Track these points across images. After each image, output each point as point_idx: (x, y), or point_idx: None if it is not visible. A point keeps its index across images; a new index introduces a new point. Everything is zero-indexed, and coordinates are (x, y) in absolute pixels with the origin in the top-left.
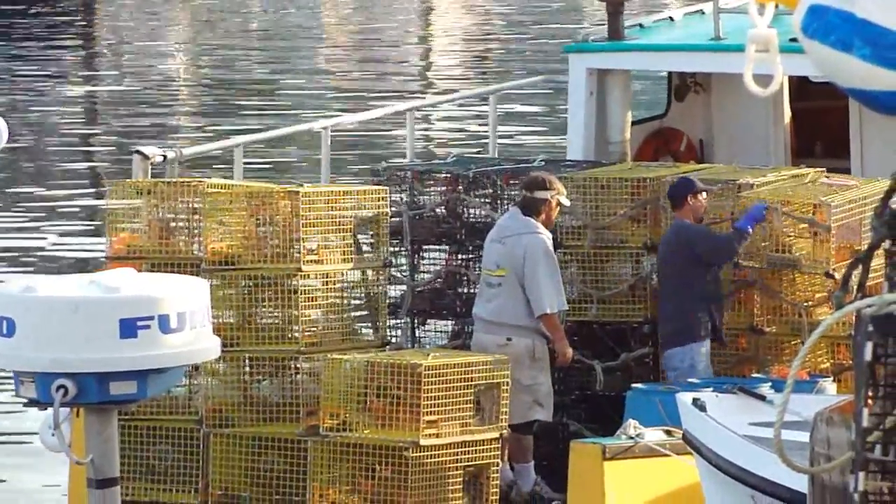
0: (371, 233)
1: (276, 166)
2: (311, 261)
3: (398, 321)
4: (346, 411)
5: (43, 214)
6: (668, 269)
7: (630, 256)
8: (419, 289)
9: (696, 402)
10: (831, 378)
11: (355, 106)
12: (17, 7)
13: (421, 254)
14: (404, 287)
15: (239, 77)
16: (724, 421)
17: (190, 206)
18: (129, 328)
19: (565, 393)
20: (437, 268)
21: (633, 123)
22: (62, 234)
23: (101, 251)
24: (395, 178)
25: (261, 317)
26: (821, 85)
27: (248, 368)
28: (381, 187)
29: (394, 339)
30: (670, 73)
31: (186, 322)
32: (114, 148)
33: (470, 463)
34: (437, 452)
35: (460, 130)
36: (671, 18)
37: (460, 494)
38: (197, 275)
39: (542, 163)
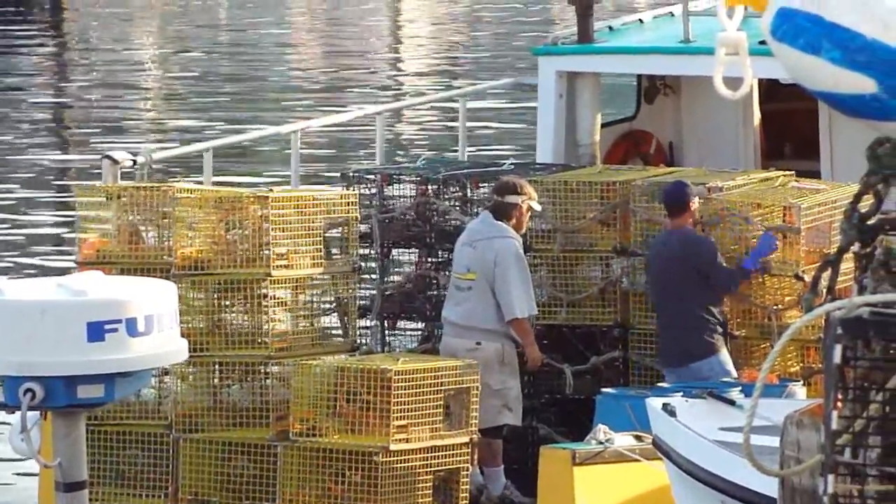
0: (341, 237)
1: (246, 170)
2: (281, 266)
3: (368, 324)
4: (315, 416)
5: (10, 217)
6: (675, 279)
7: (600, 260)
8: (389, 292)
9: (666, 407)
10: (801, 382)
11: (325, 109)
12: None
13: (391, 257)
14: (374, 291)
15: (209, 83)
16: (693, 426)
17: (159, 210)
18: (96, 331)
19: (535, 396)
20: (407, 271)
21: (603, 126)
22: (30, 238)
23: (71, 256)
24: (364, 182)
25: (230, 322)
26: (790, 87)
27: (217, 373)
28: (350, 191)
29: (364, 343)
30: (640, 76)
31: (154, 325)
32: (84, 153)
33: (440, 467)
34: (407, 457)
35: (430, 133)
36: (641, 21)
37: (430, 499)
38: (166, 279)
39: (512, 166)
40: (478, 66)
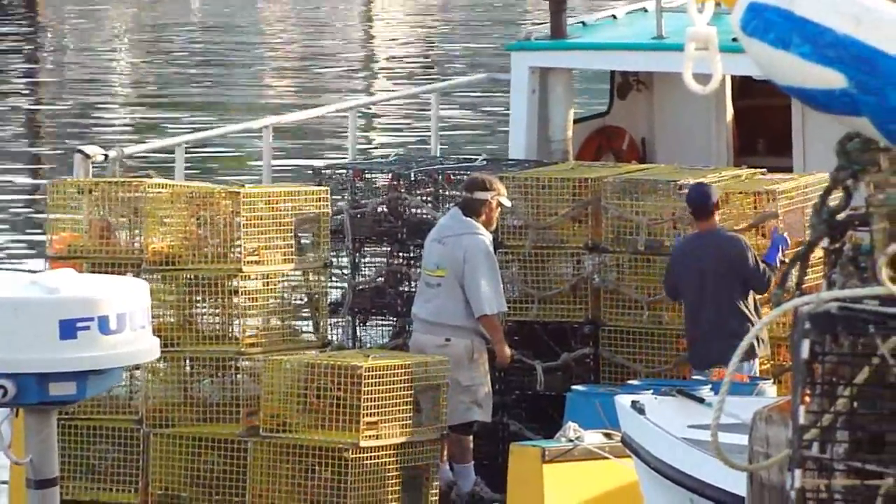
0: (312, 233)
1: (218, 166)
2: (252, 261)
3: (339, 320)
4: (286, 412)
5: None
6: (714, 281)
7: (571, 256)
8: (360, 287)
9: (635, 405)
10: (772, 380)
11: (296, 104)
12: None
13: (362, 252)
14: (345, 286)
15: (178, 82)
16: (662, 423)
17: (131, 205)
18: (68, 329)
19: (506, 393)
20: (378, 266)
21: (576, 121)
22: (1, 234)
23: (42, 251)
24: (336, 178)
25: (201, 317)
26: (763, 83)
27: (188, 368)
28: (322, 187)
29: (335, 339)
30: (613, 72)
31: (126, 323)
32: (55, 147)
33: (410, 464)
34: (377, 453)
35: (402, 129)
36: (614, 17)
37: (400, 495)
38: (137, 275)
39: (485, 162)
40: (451, 62)
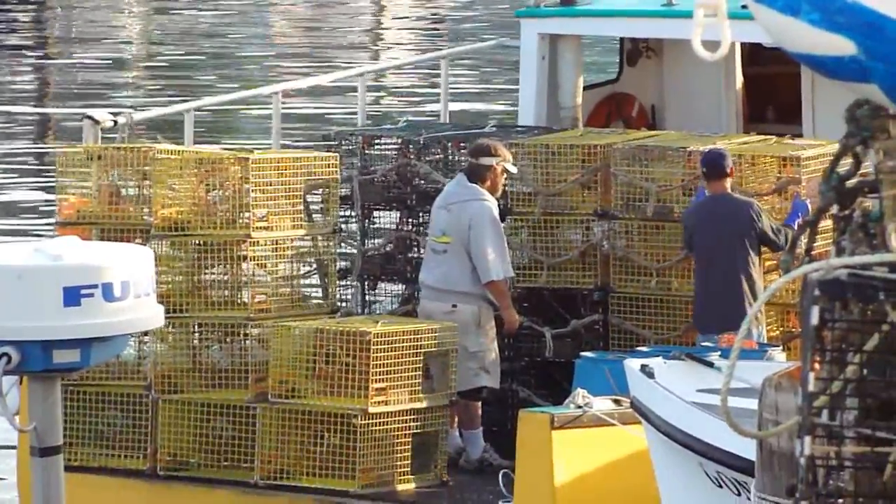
0: (321, 199)
1: (227, 132)
2: (261, 227)
3: (348, 285)
4: (294, 378)
5: None
6: (728, 243)
7: (580, 223)
8: (369, 253)
9: (645, 369)
10: (781, 346)
11: (307, 71)
12: None
13: (371, 218)
14: (354, 252)
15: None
16: (671, 388)
17: (140, 171)
18: (72, 296)
19: (515, 359)
20: (388, 231)
21: (585, 88)
22: (8, 202)
23: (51, 218)
24: (345, 144)
25: (210, 283)
26: (773, 51)
27: (197, 334)
28: (331, 153)
29: (344, 304)
30: (622, 38)
31: (130, 291)
32: (64, 112)
33: (418, 430)
34: (385, 420)
35: (412, 96)
36: None
37: (409, 461)
38: (146, 240)
39: (494, 129)
40: (461, 28)
